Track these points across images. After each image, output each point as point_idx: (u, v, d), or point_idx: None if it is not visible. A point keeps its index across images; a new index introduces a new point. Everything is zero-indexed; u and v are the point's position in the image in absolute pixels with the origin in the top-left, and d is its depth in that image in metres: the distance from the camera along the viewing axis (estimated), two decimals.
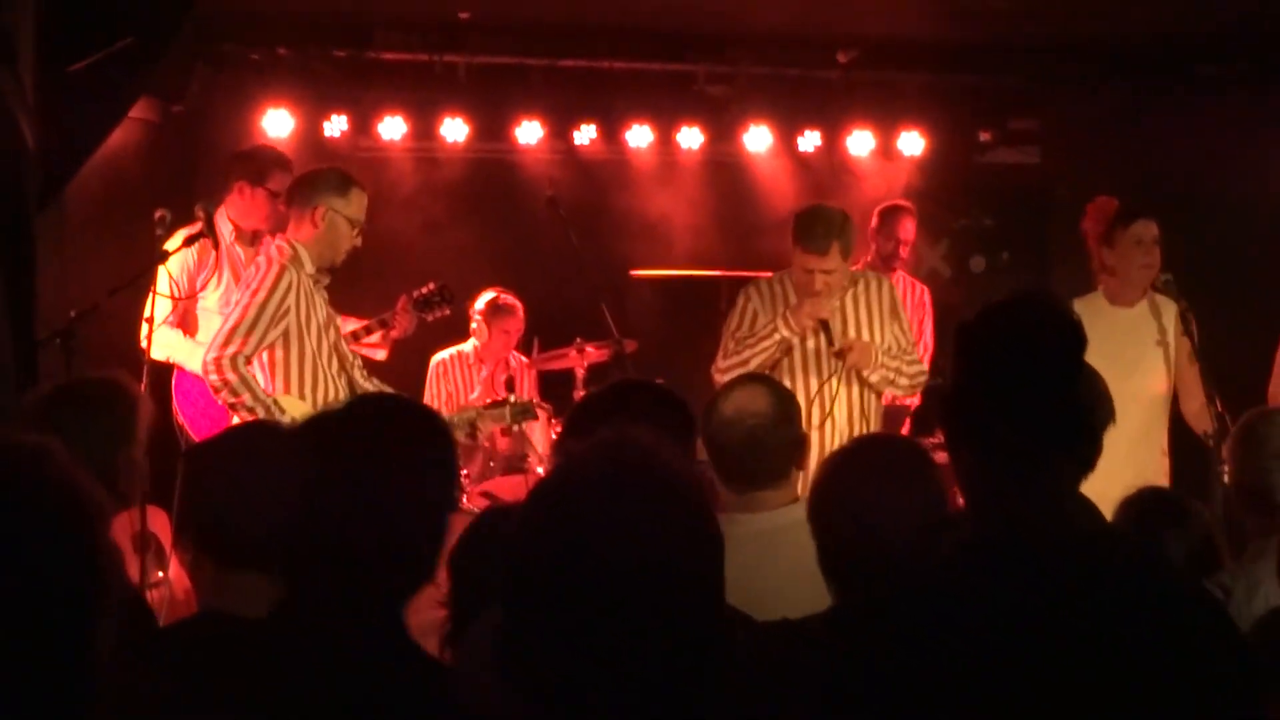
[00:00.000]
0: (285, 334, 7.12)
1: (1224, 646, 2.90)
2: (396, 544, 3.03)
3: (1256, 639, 3.50)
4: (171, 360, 8.21)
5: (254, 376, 7.05)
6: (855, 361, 7.46)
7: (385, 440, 3.11)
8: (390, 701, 2.90)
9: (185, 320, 8.29)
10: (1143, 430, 7.51)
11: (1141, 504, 5.11)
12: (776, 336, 7.51)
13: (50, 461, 2.26)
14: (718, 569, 2.44)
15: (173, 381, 8.24)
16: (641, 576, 2.33)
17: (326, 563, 2.99)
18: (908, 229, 10.09)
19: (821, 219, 7.50)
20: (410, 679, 2.96)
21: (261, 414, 6.87)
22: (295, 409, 7.15)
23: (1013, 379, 2.97)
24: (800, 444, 4.97)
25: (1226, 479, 5.24)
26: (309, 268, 7.18)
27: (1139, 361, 7.59)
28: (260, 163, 8.33)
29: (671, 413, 4.18)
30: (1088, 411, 3.01)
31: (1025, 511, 2.92)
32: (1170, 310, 7.62)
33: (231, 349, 6.97)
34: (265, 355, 7.11)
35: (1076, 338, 3.04)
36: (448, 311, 8.72)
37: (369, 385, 7.42)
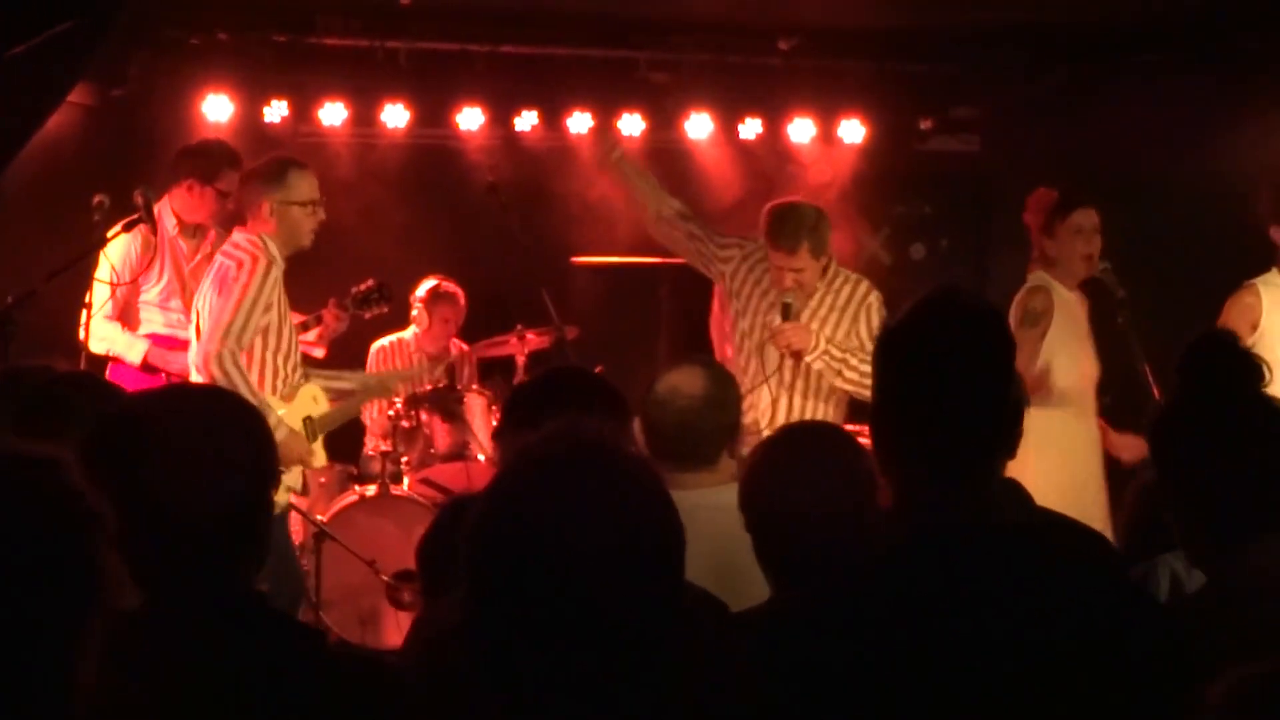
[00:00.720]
0: (265, 328, 7.17)
1: (1156, 636, 2.92)
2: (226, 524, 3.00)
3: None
4: (111, 353, 8.16)
5: (246, 373, 7.09)
6: (789, 342, 7.36)
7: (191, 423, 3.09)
8: (265, 673, 2.89)
9: (125, 313, 8.25)
10: (1082, 411, 7.61)
11: None
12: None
13: (59, 473, 2.26)
14: (679, 551, 2.45)
15: (107, 374, 8.17)
16: (605, 561, 2.35)
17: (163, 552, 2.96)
18: None
19: (793, 217, 7.45)
20: (278, 648, 2.95)
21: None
22: (279, 407, 7.23)
23: (940, 382, 2.96)
24: (733, 429, 4.96)
25: None
26: (277, 257, 7.22)
27: (1078, 349, 7.65)
28: (212, 161, 8.27)
29: (606, 399, 4.18)
30: (1017, 406, 3.01)
31: (958, 508, 2.92)
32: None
33: (224, 346, 7.02)
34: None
35: (1000, 334, 3.05)
36: (385, 309, 8.69)
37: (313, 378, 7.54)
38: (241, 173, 7.77)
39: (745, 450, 6.99)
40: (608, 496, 2.39)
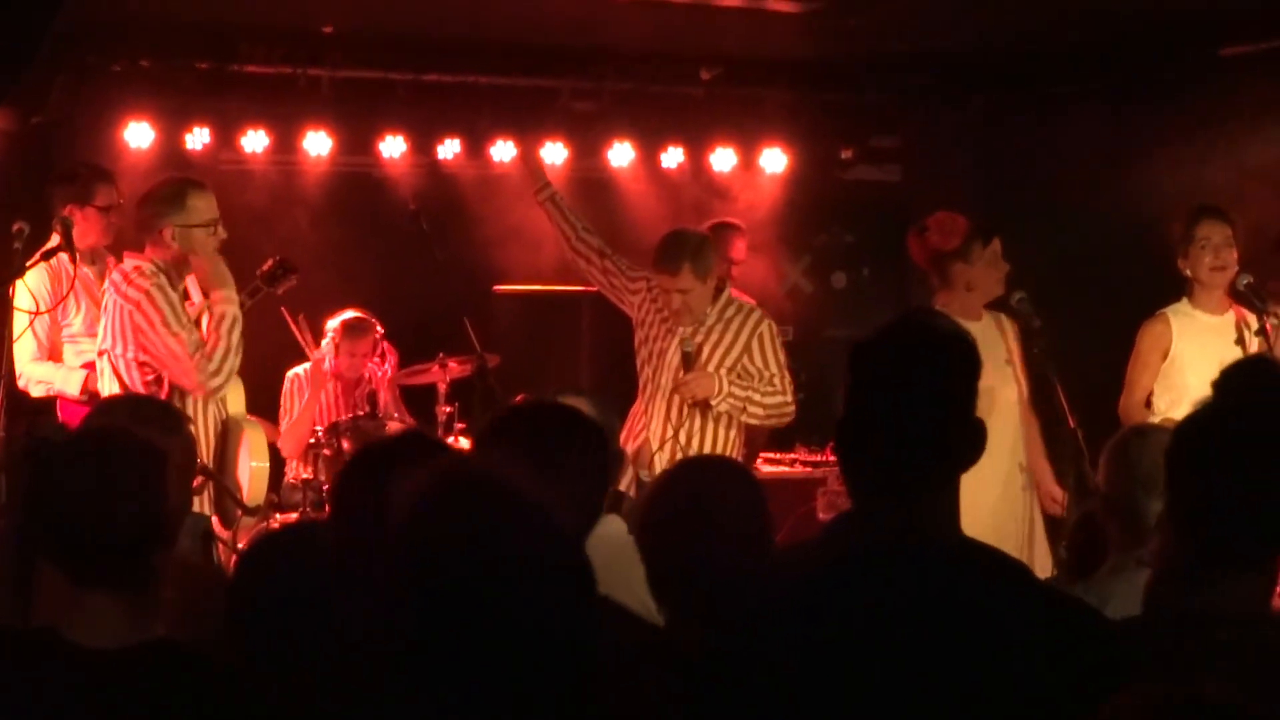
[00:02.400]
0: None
1: (1101, 656, 2.96)
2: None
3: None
4: (52, 392, 8.09)
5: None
6: (693, 392, 7.69)
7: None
8: None
9: (54, 351, 8.18)
10: (1002, 441, 7.65)
11: None
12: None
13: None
14: (569, 587, 2.46)
15: (58, 412, 8.10)
16: (506, 591, 2.36)
17: None
18: (738, 248, 10.20)
19: (675, 240, 7.81)
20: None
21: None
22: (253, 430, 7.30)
23: (908, 399, 3.02)
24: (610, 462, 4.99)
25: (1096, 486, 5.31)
26: (170, 284, 7.18)
27: (993, 374, 7.70)
28: (82, 181, 8.19)
29: (577, 432, 4.15)
30: (979, 427, 3.07)
31: (918, 523, 2.97)
32: (1010, 326, 7.75)
33: (200, 374, 7.05)
34: (139, 369, 7.11)
35: (969, 356, 3.10)
36: (294, 281, 8.60)
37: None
38: (125, 195, 7.72)
39: (628, 479, 7.11)
40: (490, 531, 2.40)
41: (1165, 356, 7.79)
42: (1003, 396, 7.67)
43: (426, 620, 2.36)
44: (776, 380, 7.83)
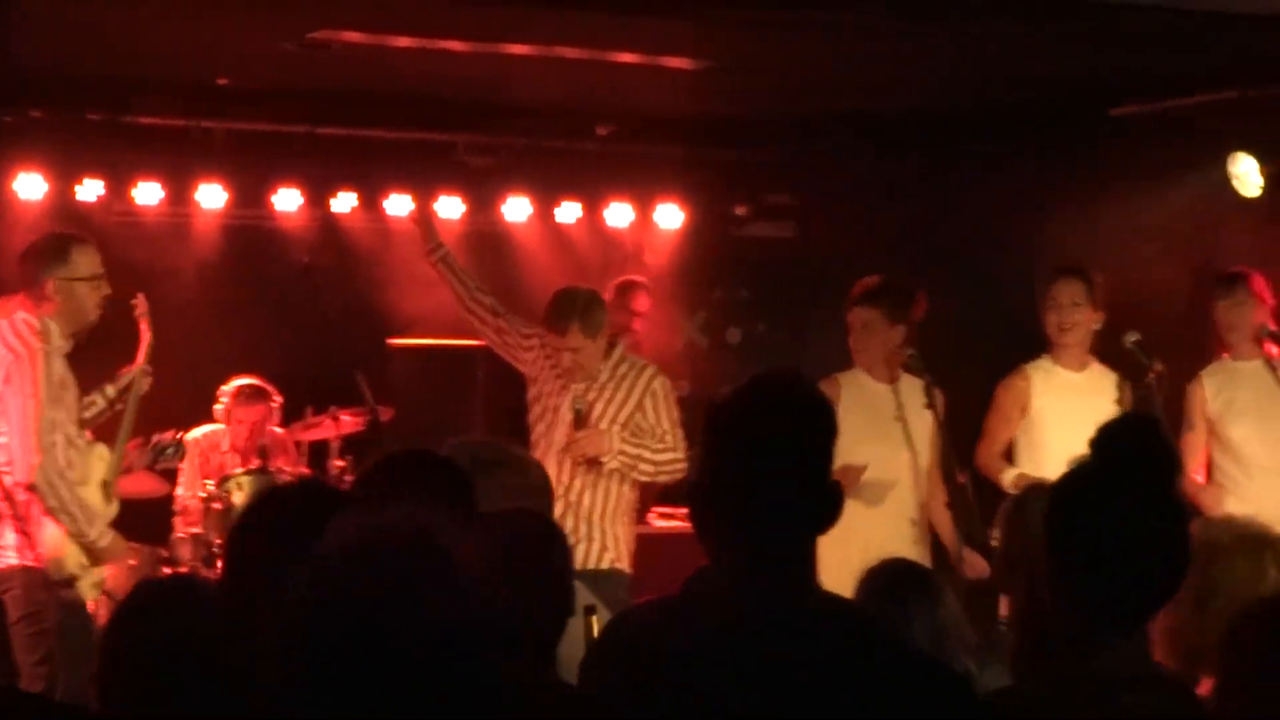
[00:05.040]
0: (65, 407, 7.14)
1: None
2: None
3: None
4: None
5: (70, 483, 7.07)
6: (584, 451, 7.73)
7: None
8: None
9: None
10: (887, 500, 7.70)
11: (885, 577, 5.19)
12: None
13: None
14: (489, 646, 2.44)
15: None
16: (412, 652, 2.33)
17: None
18: (641, 301, 10.22)
19: (564, 299, 7.83)
20: None
21: (76, 514, 7.11)
22: (103, 510, 7.22)
23: (763, 462, 2.98)
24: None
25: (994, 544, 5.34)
26: (58, 340, 7.13)
27: (876, 434, 7.74)
28: None
29: (448, 480, 4.17)
30: (837, 489, 3.04)
31: (774, 593, 2.95)
32: (915, 386, 7.80)
33: (42, 454, 7.00)
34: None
35: (825, 418, 3.06)
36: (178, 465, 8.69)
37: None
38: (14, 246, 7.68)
39: None
40: (417, 591, 2.37)
41: (1024, 412, 7.91)
42: (886, 455, 7.72)
43: (332, 677, 2.33)
44: (669, 437, 7.84)
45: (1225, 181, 9.37)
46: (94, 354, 7.69)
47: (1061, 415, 7.74)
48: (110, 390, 7.88)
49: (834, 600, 3.11)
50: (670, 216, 11.69)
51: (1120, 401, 7.85)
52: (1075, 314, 7.84)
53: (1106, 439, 3.36)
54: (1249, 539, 3.93)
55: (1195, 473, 7.98)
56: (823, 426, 3.04)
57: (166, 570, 8.78)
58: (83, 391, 7.58)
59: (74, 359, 7.39)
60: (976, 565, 7.42)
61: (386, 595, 2.35)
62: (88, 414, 7.69)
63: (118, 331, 7.78)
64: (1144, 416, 3.86)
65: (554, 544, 4.12)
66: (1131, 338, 7.80)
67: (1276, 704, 2.91)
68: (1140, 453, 3.33)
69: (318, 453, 9.73)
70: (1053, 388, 7.89)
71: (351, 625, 2.33)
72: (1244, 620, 3.10)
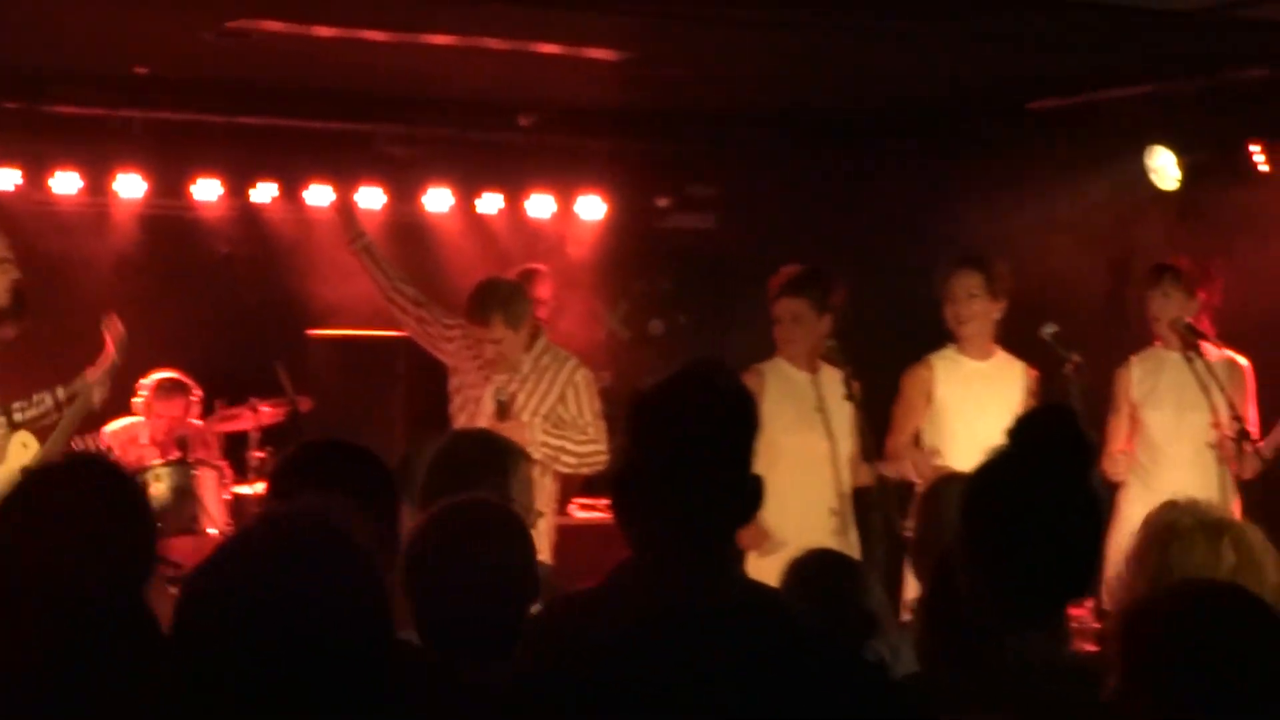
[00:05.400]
0: None
1: (884, 713, 2.96)
2: None
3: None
4: None
5: None
6: None
7: None
8: None
9: None
10: (807, 490, 7.73)
11: (810, 567, 5.22)
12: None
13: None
14: (372, 635, 2.45)
15: None
16: (296, 643, 2.35)
17: None
18: (543, 289, 10.24)
19: (486, 290, 7.85)
20: None
21: None
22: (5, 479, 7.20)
23: (686, 455, 2.98)
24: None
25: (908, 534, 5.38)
26: None
27: (797, 424, 7.78)
28: None
29: (367, 471, 4.17)
30: (758, 481, 3.04)
31: (697, 585, 2.95)
32: (835, 376, 7.84)
33: None
34: None
35: (748, 410, 3.07)
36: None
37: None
38: None
39: None
40: (307, 581, 2.39)
41: (929, 400, 7.95)
42: (808, 445, 7.76)
43: (222, 666, 2.35)
44: (591, 429, 7.85)
45: (1142, 175, 9.46)
46: (62, 352, 7.67)
47: (965, 403, 7.82)
48: (61, 393, 7.85)
49: (756, 591, 3.12)
50: (592, 208, 11.69)
51: (1027, 390, 7.91)
52: (972, 305, 7.90)
53: (1023, 429, 3.39)
54: (1210, 523, 3.97)
55: (1116, 455, 8.08)
56: (745, 419, 3.05)
57: None
58: (34, 387, 7.58)
59: (35, 354, 7.38)
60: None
61: (281, 584, 2.37)
62: (34, 411, 7.68)
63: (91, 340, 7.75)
64: (1061, 407, 3.86)
65: (514, 533, 4.10)
66: (1049, 329, 7.85)
67: (1175, 698, 2.92)
68: (1056, 443, 3.36)
69: (238, 444, 9.70)
70: (957, 377, 7.95)
71: (241, 615, 2.35)
72: (1139, 613, 3.11)
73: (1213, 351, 7.91)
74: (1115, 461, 7.96)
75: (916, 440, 7.92)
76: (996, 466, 3.40)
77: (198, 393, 9.77)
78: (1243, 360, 8.07)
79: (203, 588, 2.41)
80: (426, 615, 3.91)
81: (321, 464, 3.95)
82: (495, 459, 5.19)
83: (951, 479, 5.15)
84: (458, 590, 3.87)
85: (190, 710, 2.36)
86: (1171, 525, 3.97)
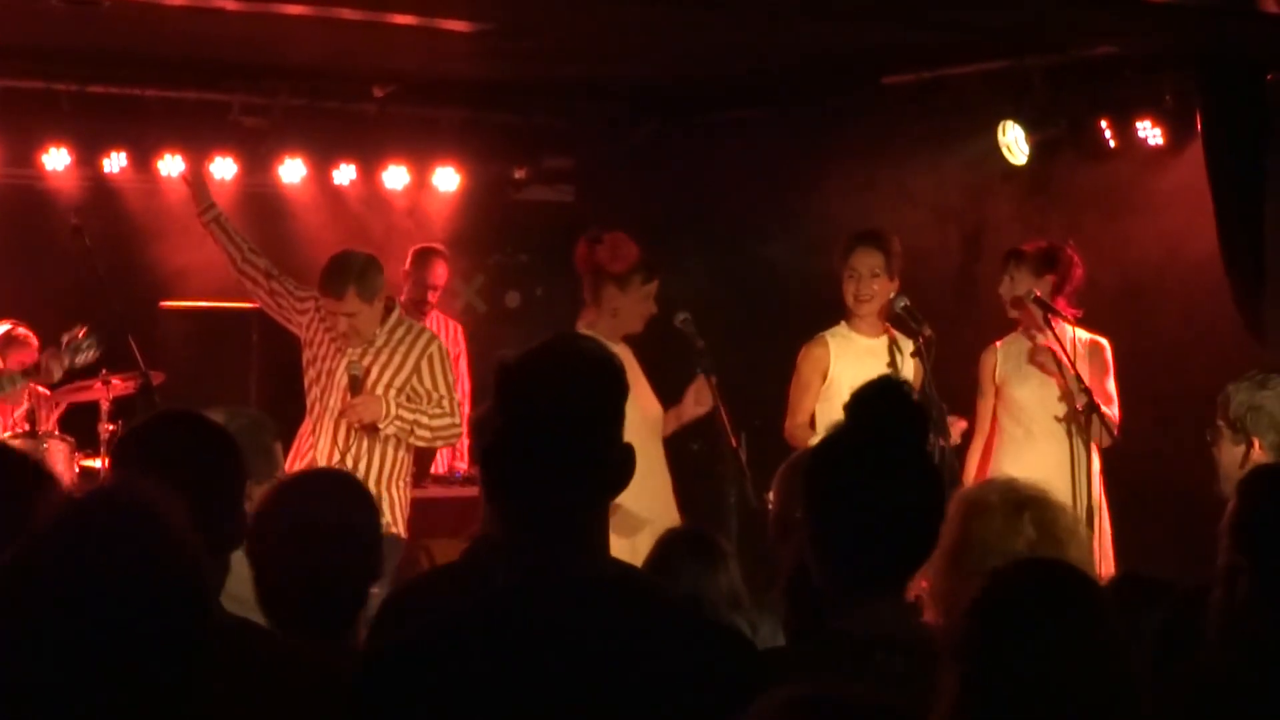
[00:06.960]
0: None
1: (748, 686, 2.96)
2: None
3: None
4: None
5: None
6: (360, 416, 7.67)
7: None
8: None
9: None
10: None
11: (674, 544, 5.26)
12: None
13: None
14: (189, 615, 2.45)
15: None
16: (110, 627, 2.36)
17: None
18: (439, 273, 10.20)
19: (340, 263, 7.73)
20: None
21: None
22: None
23: (553, 423, 2.94)
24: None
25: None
26: None
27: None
28: None
29: (209, 445, 4.11)
30: (628, 452, 3.01)
31: (561, 556, 2.93)
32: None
33: None
34: None
35: (618, 380, 3.04)
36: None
37: None
38: None
39: None
40: (106, 567, 2.38)
41: (825, 379, 7.97)
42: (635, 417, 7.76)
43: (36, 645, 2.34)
44: (445, 402, 7.83)
45: (994, 150, 9.56)
46: None
47: (858, 381, 7.74)
48: None
49: (619, 567, 3.12)
50: (448, 179, 11.65)
51: (917, 367, 7.93)
52: (874, 284, 7.88)
53: (857, 403, 3.43)
54: (1011, 499, 4.02)
55: (983, 438, 8.19)
56: (613, 389, 3.02)
57: None
58: None
59: None
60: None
61: (89, 565, 2.36)
62: None
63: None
64: (894, 380, 3.92)
65: (357, 503, 4.08)
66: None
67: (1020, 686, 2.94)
68: (889, 416, 3.40)
69: (88, 416, 9.57)
70: (850, 354, 7.93)
71: (52, 596, 2.35)
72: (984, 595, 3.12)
73: (1069, 331, 8.00)
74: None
75: (812, 422, 7.89)
76: (834, 440, 3.46)
77: (36, 342, 9.66)
78: (1103, 340, 8.18)
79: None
80: (266, 584, 3.89)
81: (162, 439, 3.89)
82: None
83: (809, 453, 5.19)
84: (297, 557, 3.86)
85: None
86: (976, 500, 4.04)
